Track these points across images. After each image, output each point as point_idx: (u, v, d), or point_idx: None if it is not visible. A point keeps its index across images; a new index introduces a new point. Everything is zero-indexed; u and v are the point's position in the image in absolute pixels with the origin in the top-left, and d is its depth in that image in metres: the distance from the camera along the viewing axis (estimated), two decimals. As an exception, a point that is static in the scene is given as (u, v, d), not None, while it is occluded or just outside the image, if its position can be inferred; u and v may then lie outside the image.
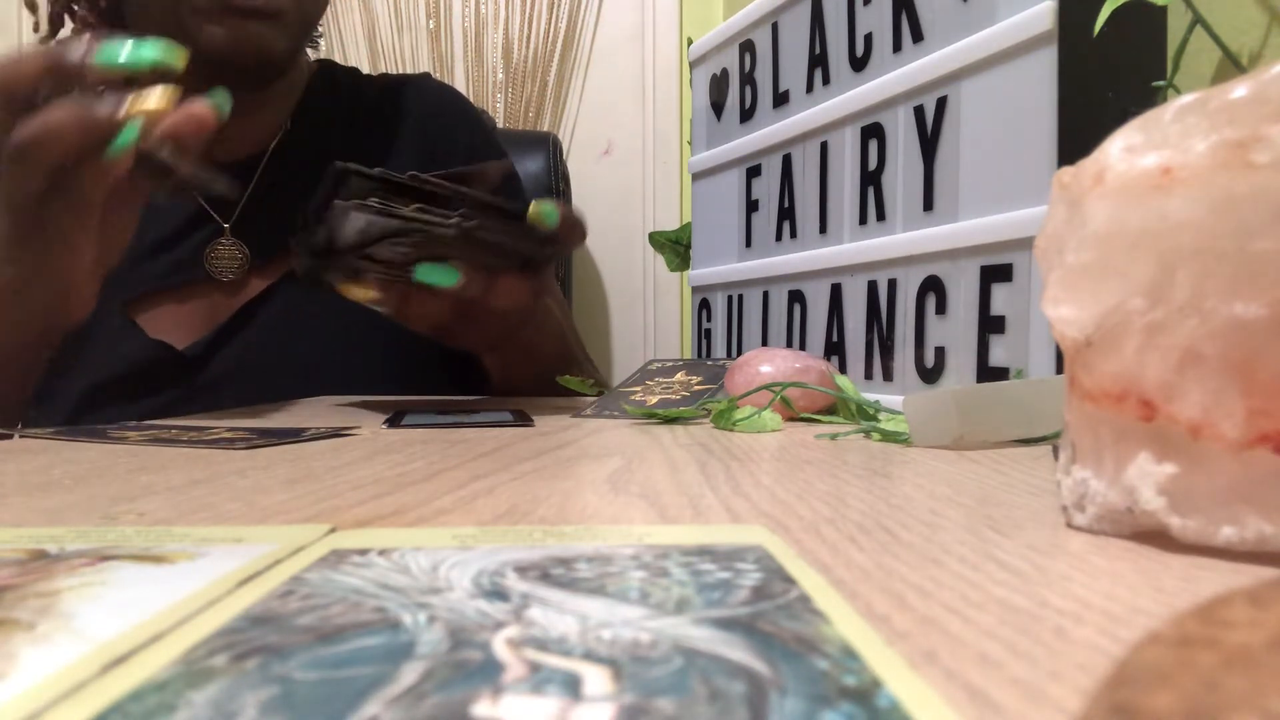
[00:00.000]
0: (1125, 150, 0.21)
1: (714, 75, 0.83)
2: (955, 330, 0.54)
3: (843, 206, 0.65)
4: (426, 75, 0.92)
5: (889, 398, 0.56)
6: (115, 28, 0.80)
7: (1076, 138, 0.46)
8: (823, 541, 0.21)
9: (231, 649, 0.13)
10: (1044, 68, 0.47)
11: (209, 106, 0.50)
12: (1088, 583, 0.17)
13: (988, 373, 0.51)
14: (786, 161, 0.72)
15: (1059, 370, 0.45)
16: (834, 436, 0.43)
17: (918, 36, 0.58)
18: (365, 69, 1.32)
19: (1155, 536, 0.20)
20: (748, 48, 0.77)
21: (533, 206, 0.52)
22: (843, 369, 0.64)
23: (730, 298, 0.80)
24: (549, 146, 1.36)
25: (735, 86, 0.79)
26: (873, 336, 0.61)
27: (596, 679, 0.11)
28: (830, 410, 0.52)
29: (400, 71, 1.65)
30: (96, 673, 0.12)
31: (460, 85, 1.64)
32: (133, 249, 0.58)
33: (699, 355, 0.86)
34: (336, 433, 0.44)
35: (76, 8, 0.80)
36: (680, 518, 0.24)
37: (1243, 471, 0.19)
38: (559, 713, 0.10)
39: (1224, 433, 0.19)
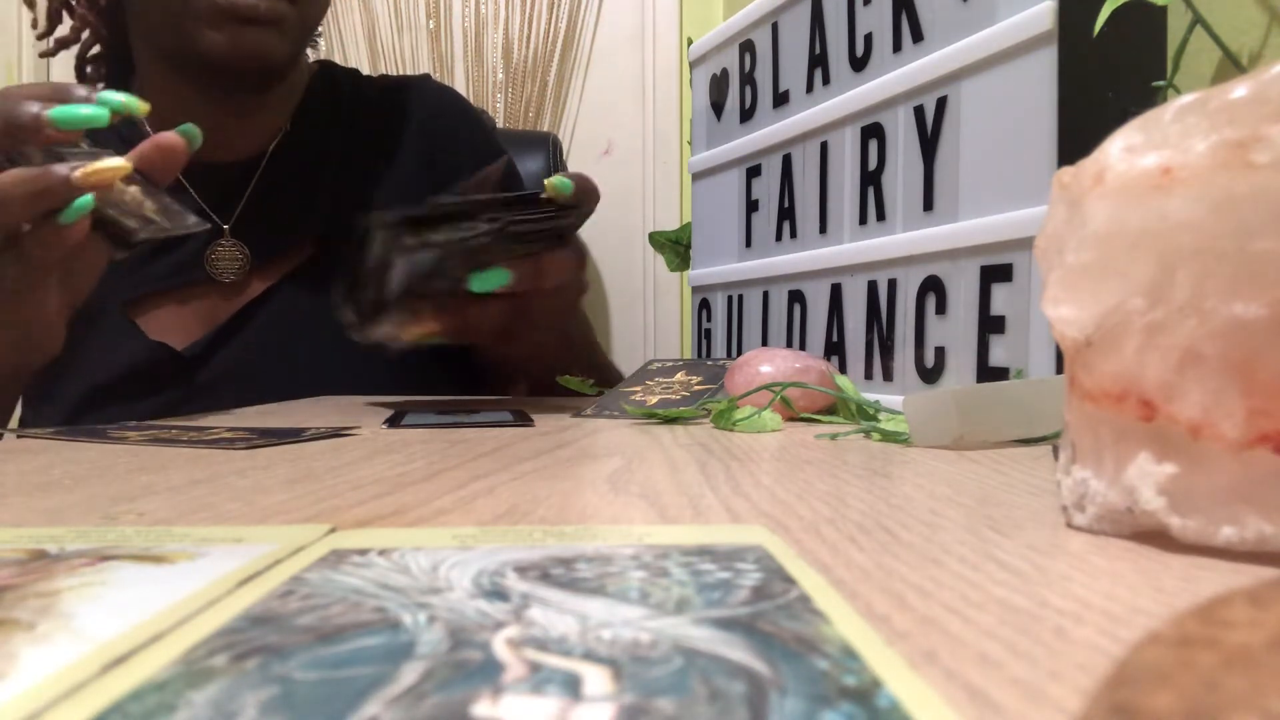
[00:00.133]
0: (1125, 150, 0.21)
1: (714, 75, 0.83)
2: (955, 330, 0.54)
3: (843, 206, 0.65)
4: (426, 76, 0.92)
5: (889, 398, 0.56)
6: (114, 26, 0.80)
7: (1076, 138, 0.46)
8: (823, 541, 0.21)
9: (231, 649, 0.13)
10: (1044, 68, 0.47)
11: (178, 137, 0.50)
12: (1088, 583, 0.17)
13: (988, 373, 0.51)
14: (786, 161, 0.72)
15: (1059, 370, 0.45)
16: (834, 436, 0.43)
17: (918, 36, 0.58)
18: (365, 69, 1.32)
19: (1155, 536, 0.20)
20: (748, 48, 0.77)
21: (548, 183, 0.53)
22: (843, 369, 0.64)
23: (730, 298, 0.80)
24: (549, 147, 1.36)
25: (735, 86, 0.79)
26: (873, 336, 0.61)
27: (596, 679, 0.11)
28: (830, 410, 0.52)
29: (400, 72, 1.66)
30: (96, 673, 0.12)
31: (460, 85, 1.64)
32: None
33: (699, 355, 0.86)
34: (336, 433, 0.44)
35: (75, 5, 0.80)
36: (680, 518, 0.24)
37: (1243, 471, 0.19)
38: (559, 713, 0.10)
39: (1224, 433, 0.19)
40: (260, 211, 0.78)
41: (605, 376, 0.79)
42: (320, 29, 0.86)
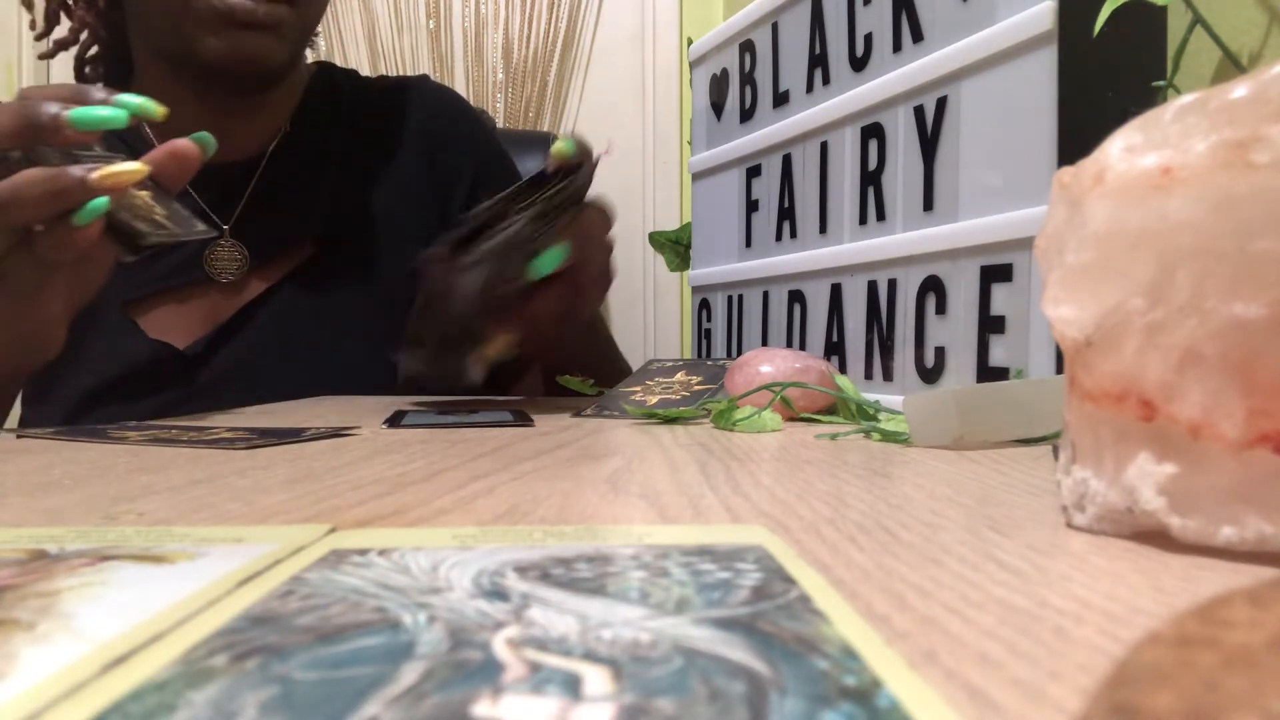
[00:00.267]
0: (1125, 150, 0.21)
1: (714, 75, 0.83)
2: (955, 330, 0.54)
3: (843, 206, 0.65)
4: (425, 77, 0.92)
5: (889, 398, 0.56)
6: (113, 27, 0.80)
7: (1076, 138, 0.46)
8: (823, 541, 0.21)
9: (231, 649, 0.13)
10: (1044, 68, 0.47)
11: (192, 144, 0.50)
12: (1088, 583, 0.17)
13: (988, 373, 0.51)
14: (786, 161, 0.72)
15: (1059, 370, 0.45)
16: (834, 436, 0.43)
17: (918, 36, 0.58)
18: (365, 69, 1.32)
19: (1155, 536, 0.20)
20: (748, 48, 0.77)
21: (554, 150, 0.54)
22: (843, 369, 0.64)
23: (730, 298, 0.80)
24: (549, 147, 1.36)
25: (735, 86, 0.79)
26: (873, 336, 0.61)
27: (596, 679, 0.11)
28: (830, 410, 0.52)
29: (400, 72, 1.66)
30: (96, 673, 0.12)
31: (460, 85, 1.64)
32: None
33: (699, 355, 0.86)
34: (336, 433, 0.44)
35: (73, 6, 0.80)
36: (680, 518, 0.24)
37: (1243, 471, 0.19)
38: (559, 713, 0.10)
39: (1224, 433, 0.19)
40: (260, 212, 0.78)
41: (623, 369, 0.80)
42: (319, 30, 0.86)
